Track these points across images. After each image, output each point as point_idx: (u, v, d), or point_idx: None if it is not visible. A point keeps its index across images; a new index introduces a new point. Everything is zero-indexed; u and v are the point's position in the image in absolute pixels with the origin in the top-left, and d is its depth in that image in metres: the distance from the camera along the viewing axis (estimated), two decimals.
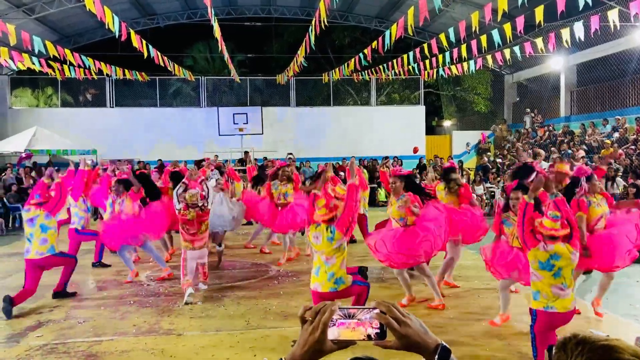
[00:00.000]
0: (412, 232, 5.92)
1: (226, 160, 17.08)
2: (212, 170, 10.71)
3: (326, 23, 10.02)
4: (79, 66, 14.16)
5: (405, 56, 14.31)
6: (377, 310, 1.12)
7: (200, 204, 6.78)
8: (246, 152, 19.40)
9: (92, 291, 7.30)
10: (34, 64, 12.45)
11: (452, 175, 6.95)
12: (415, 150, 12.69)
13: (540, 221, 4.26)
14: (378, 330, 1.10)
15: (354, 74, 18.61)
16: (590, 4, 8.10)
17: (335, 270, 4.91)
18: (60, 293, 6.93)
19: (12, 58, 11.36)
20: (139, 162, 18.72)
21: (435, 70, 16.72)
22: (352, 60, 15.18)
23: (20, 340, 5.36)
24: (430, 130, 26.91)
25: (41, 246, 6.44)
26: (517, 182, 5.65)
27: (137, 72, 17.70)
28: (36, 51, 10.66)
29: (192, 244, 6.75)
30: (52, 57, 11.51)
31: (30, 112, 20.59)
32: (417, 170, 18.33)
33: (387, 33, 10.86)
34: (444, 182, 6.96)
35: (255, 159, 19.54)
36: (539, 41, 12.03)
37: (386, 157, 18.02)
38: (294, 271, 8.21)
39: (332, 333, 1.10)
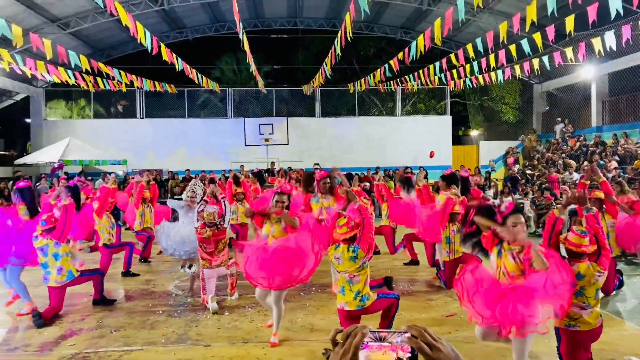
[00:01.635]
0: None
1: (253, 171, 17.25)
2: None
3: (351, 35, 10.07)
4: (111, 78, 14.55)
5: (431, 66, 14.25)
6: (408, 334, 1.12)
7: (217, 222, 6.77)
8: (272, 163, 19.65)
9: (122, 300, 7.43)
10: (69, 77, 12.85)
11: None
12: (432, 155, 12.68)
13: (565, 236, 4.13)
14: (409, 355, 1.10)
15: (380, 84, 18.61)
16: (622, 13, 7.95)
17: (360, 288, 4.87)
18: (99, 300, 7.04)
19: (48, 71, 11.76)
20: (168, 172, 19.08)
21: (462, 80, 16.60)
22: (378, 70, 15.20)
23: (54, 349, 5.47)
24: (457, 140, 26.68)
25: (58, 276, 6.41)
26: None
27: (166, 84, 18.08)
28: (72, 65, 10.99)
29: (209, 262, 6.75)
30: (85, 70, 11.85)
31: (64, 124, 21.20)
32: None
33: (414, 44, 10.84)
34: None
35: (281, 169, 19.85)
36: (569, 51, 11.83)
37: (406, 168, 17.92)
38: (320, 284, 8.17)
39: (363, 356, 1.10)
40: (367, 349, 1.12)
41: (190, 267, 7.75)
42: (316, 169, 18.27)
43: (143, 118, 21.37)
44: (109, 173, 14.44)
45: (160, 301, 7.33)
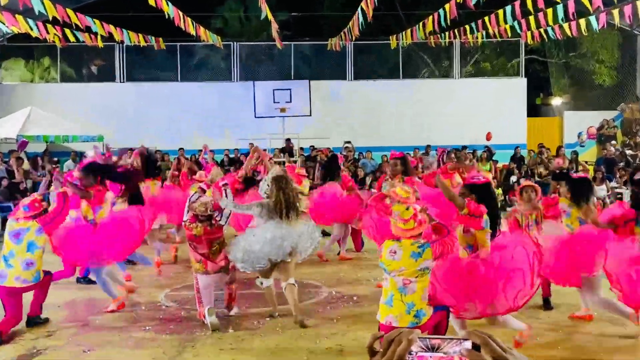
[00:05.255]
0: None
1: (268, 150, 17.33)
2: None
3: None
4: (84, 30, 14.68)
5: (500, 12, 14.04)
6: (469, 343, 1.13)
7: (211, 214, 6.80)
8: (288, 140, 19.67)
9: (99, 313, 7.59)
10: (30, 28, 12.96)
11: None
12: (489, 137, 12.64)
13: None
14: None
15: (431, 37, 18.40)
16: None
17: (416, 300, 4.90)
18: (33, 319, 6.91)
19: (2, 21, 11.91)
20: (156, 151, 19.26)
21: (542, 30, 16.29)
22: (429, 18, 15.04)
23: None
24: (534, 110, 26.27)
25: (25, 272, 6.51)
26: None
27: (153, 38, 18.23)
28: (36, 12, 11.09)
29: (204, 266, 6.79)
30: (51, 18, 11.91)
31: (23, 89, 21.60)
32: (514, 165, 17.97)
33: None
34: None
35: (301, 149, 19.92)
36: None
37: (464, 147, 17.75)
38: (350, 294, 8.24)
39: None
40: None
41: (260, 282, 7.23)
42: (347, 147, 18.30)
43: (124, 82, 21.61)
44: (81, 153, 14.70)
45: (148, 314, 7.46)
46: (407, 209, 5.03)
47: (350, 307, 7.66)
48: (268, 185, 6.97)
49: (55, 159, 18.21)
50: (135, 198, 7.81)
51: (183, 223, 6.96)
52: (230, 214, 7.15)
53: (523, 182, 8.22)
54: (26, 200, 6.78)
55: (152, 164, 10.21)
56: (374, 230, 7.74)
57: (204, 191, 7.24)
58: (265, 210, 6.79)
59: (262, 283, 7.10)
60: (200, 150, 17.76)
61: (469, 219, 5.34)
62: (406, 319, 4.89)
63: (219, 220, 6.95)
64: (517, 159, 18.29)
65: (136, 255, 8.12)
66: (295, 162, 13.53)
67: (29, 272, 6.56)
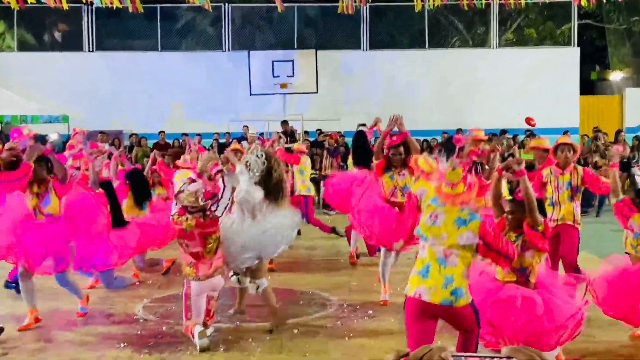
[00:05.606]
0: None
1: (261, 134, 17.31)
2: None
3: None
4: None
5: None
6: None
7: (203, 205, 6.76)
8: (284, 122, 19.49)
9: (66, 326, 7.67)
10: None
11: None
12: (529, 121, 12.71)
13: None
14: None
15: None
16: None
17: (455, 275, 4.95)
18: None
19: None
20: (131, 134, 19.33)
21: None
22: None
23: None
24: (589, 86, 26.19)
25: None
26: None
27: None
28: None
29: (195, 269, 6.81)
30: None
31: None
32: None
33: None
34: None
35: (306, 132, 19.88)
36: None
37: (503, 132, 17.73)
38: (363, 303, 8.32)
39: None
40: None
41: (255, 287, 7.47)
42: (361, 130, 18.21)
43: (93, 51, 21.66)
44: (42, 136, 14.77)
45: (123, 329, 7.51)
46: (454, 169, 5.08)
47: (364, 321, 7.68)
48: (258, 157, 7.12)
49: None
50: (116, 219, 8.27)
51: (170, 218, 6.94)
52: (228, 204, 7.13)
53: (560, 138, 8.30)
54: None
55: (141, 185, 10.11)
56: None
57: (193, 181, 7.20)
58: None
59: (257, 288, 7.21)
60: (185, 134, 17.86)
61: (540, 238, 5.41)
62: (440, 294, 4.92)
63: (214, 211, 6.84)
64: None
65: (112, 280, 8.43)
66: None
67: None
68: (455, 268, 4.95)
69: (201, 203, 6.75)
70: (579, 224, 7.68)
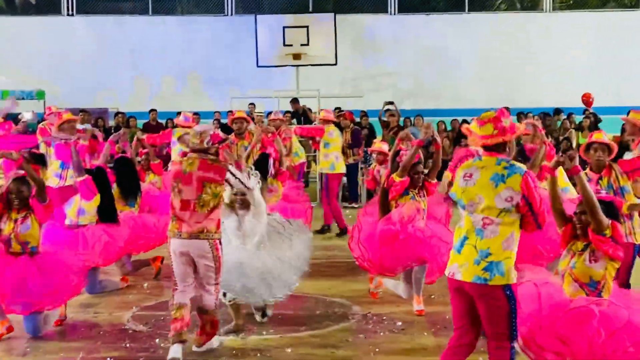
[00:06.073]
0: None
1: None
2: None
3: None
4: None
5: None
6: None
7: (206, 147, 6.90)
8: (295, 100, 19.39)
9: (46, 338, 7.73)
10: None
11: None
12: (587, 99, 12.66)
13: None
14: None
15: None
16: None
17: (492, 248, 4.89)
18: None
19: None
20: (116, 113, 19.39)
21: None
22: None
23: None
24: None
25: None
26: None
27: None
28: None
29: (178, 225, 6.82)
30: None
31: None
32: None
33: None
34: None
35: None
36: None
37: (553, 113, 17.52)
38: (387, 315, 8.33)
39: None
40: None
41: (263, 315, 8.13)
42: (388, 110, 18.19)
43: (72, 15, 21.75)
44: (15, 115, 14.87)
45: (110, 340, 7.57)
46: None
47: (392, 335, 7.66)
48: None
49: None
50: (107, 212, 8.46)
51: (171, 162, 7.07)
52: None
53: (595, 134, 7.99)
54: None
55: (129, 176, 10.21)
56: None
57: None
58: None
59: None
60: (179, 113, 17.86)
61: (611, 244, 5.21)
62: (472, 271, 4.91)
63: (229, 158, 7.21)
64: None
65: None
66: None
67: None
68: (493, 240, 4.89)
69: (206, 145, 6.83)
70: (635, 234, 7.47)
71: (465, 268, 4.93)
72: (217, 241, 6.82)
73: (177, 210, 6.78)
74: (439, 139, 8.53)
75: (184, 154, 6.86)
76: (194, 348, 7.03)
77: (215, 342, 7.20)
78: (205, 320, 6.99)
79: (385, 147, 10.65)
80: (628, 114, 9.00)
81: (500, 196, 4.84)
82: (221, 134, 9.74)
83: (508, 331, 4.96)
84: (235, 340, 7.47)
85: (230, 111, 18.42)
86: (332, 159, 12.45)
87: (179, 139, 7.02)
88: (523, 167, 4.95)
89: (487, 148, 4.99)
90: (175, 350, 6.64)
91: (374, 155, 10.59)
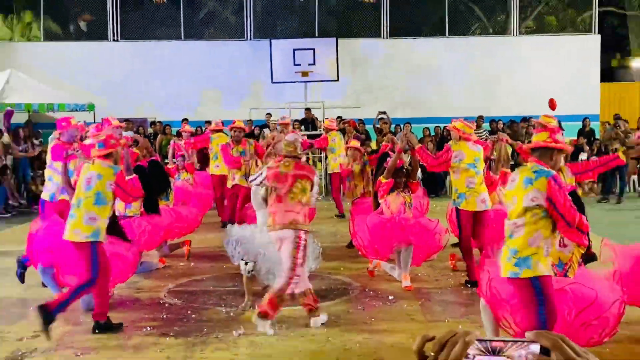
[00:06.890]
0: None
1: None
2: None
3: None
4: None
5: None
6: (537, 346, 1.15)
7: (300, 154, 7.10)
8: (308, 110, 19.56)
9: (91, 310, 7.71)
10: None
11: None
12: (552, 104, 12.63)
13: None
14: None
15: None
16: None
17: (519, 245, 4.92)
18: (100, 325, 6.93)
19: None
20: (152, 122, 19.39)
21: None
22: None
23: None
24: (609, 74, 25.91)
25: (87, 226, 6.72)
26: None
27: None
28: None
29: (273, 217, 6.76)
30: None
31: (1, 48, 21.71)
32: (585, 140, 17.73)
33: None
34: None
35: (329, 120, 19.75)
36: None
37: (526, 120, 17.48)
38: (382, 290, 8.37)
39: None
40: None
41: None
42: (381, 119, 18.18)
43: (117, 40, 21.69)
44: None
45: (149, 313, 7.60)
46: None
47: (385, 306, 7.73)
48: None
49: (40, 130, 18.45)
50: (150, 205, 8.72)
51: (266, 167, 7.10)
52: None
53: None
54: (101, 136, 7.18)
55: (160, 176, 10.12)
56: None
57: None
58: None
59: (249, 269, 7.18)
60: (208, 122, 17.79)
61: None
62: (507, 267, 4.98)
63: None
64: (587, 132, 18.08)
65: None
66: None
67: (89, 227, 6.71)
68: (520, 239, 4.94)
69: (299, 152, 7.07)
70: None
71: (502, 264, 5.08)
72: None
73: (276, 207, 6.89)
74: (416, 146, 8.60)
75: (280, 159, 6.95)
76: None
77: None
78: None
79: (358, 144, 10.72)
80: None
81: (528, 196, 4.89)
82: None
83: (536, 324, 4.90)
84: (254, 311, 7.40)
85: (250, 120, 18.40)
86: (339, 160, 12.86)
87: (273, 146, 7.21)
88: (551, 171, 4.97)
89: (535, 154, 5.10)
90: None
91: (349, 152, 10.62)
